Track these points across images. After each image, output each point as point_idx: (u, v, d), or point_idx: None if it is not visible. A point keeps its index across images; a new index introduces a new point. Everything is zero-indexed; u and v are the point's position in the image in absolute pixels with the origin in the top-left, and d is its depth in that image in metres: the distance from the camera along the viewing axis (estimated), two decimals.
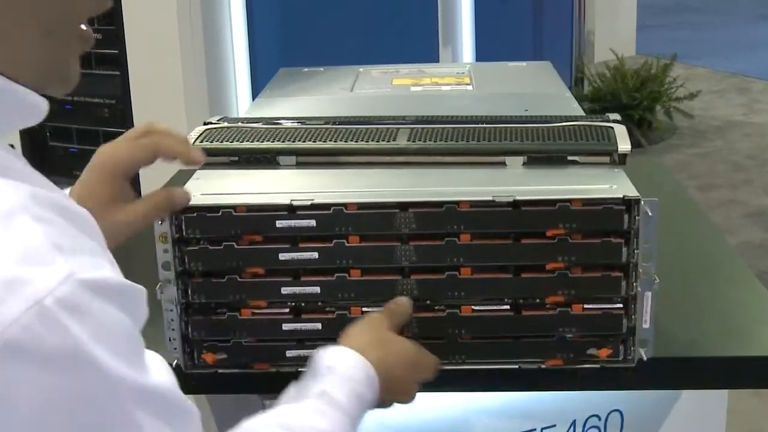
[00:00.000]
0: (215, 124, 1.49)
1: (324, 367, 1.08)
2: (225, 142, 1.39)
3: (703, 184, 5.12)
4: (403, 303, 1.24)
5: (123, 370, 0.71)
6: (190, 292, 1.27)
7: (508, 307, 1.27)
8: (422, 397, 1.20)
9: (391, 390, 1.14)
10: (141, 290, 0.77)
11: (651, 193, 1.22)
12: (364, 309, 1.26)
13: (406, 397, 1.18)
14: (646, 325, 1.25)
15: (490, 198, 1.22)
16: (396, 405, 1.18)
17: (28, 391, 0.67)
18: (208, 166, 1.32)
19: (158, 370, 0.76)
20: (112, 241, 0.88)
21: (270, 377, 1.27)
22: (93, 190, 1.12)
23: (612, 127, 1.41)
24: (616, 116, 1.49)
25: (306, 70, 2.10)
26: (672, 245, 1.57)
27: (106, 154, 1.17)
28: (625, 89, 5.82)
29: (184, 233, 1.25)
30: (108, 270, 0.73)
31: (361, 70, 2.04)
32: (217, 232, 1.24)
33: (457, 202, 1.23)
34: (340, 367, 1.08)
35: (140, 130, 1.19)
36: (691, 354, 1.33)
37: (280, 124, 1.49)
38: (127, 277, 0.76)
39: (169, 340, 1.26)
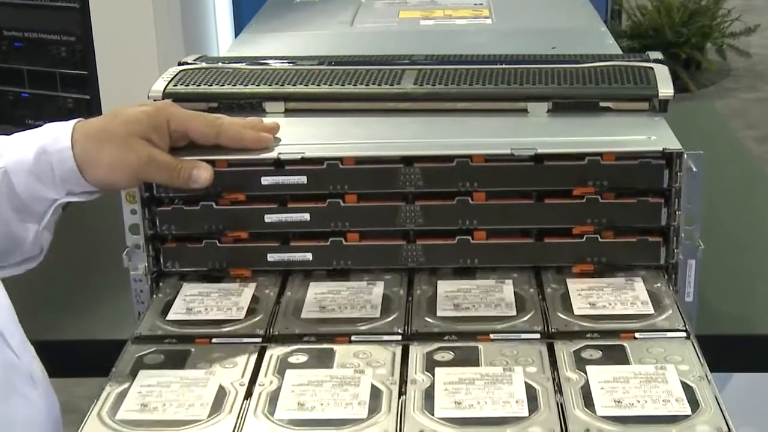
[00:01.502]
0: (192, 64, 1.50)
1: None
2: (203, 86, 1.39)
3: (762, 135, 5.12)
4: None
5: None
6: (162, 259, 1.29)
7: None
8: None
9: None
10: None
11: (697, 146, 1.22)
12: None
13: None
14: (689, 299, 1.26)
15: (509, 151, 1.22)
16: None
17: None
18: None
19: None
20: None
21: None
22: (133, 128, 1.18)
23: (652, 68, 1.41)
24: (658, 55, 1.49)
25: (298, 0, 2.10)
26: (720, 206, 1.58)
27: (166, 104, 1.25)
28: (670, 24, 5.80)
29: (154, 191, 1.26)
30: None
31: (363, 0, 2.04)
32: (194, 190, 1.24)
33: (470, 156, 1.24)
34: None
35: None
36: (741, 332, 1.35)
37: (266, 64, 1.49)
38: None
39: (138, 314, 1.27)
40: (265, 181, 1.25)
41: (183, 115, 1.22)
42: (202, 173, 1.20)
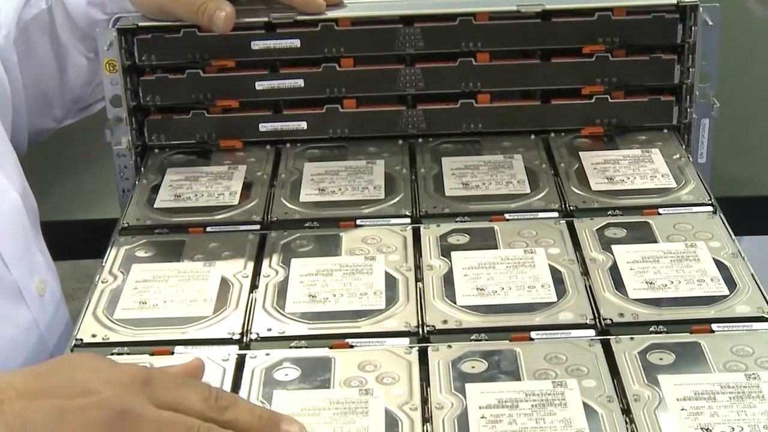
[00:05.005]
0: None
1: None
2: None
3: None
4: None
5: None
6: (146, 132, 1.18)
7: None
8: None
9: None
10: None
11: None
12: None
13: None
14: (702, 160, 1.19)
15: (514, 7, 1.15)
16: None
17: None
18: None
19: None
20: None
21: None
22: None
23: None
24: None
25: None
26: (735, 65, 1.49)
27: None
28: None
29: (137, 59, 1.15)
30: None
31: None
32: (179, 57, 1.15)
33: (474, 14, 1.15)
34: None
35: None
36: (753, 194, 1.27)
37: None
38: None
39: (123, 191, 1.17)
40: (256, 45, 1.15)
41: None
42: (221, 15, 1.09)
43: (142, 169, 1.16)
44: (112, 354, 0.86)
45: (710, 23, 1.14)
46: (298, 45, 1.15)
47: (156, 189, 1.12)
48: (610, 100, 1.18)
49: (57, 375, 0.70)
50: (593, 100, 1.18)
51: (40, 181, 1.15)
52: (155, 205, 1.09)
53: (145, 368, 0.73)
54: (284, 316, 0.90)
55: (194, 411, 0.69)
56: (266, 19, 1.13)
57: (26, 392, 0.68)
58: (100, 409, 0.67)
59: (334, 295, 0.92)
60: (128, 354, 0.86)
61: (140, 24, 1.13)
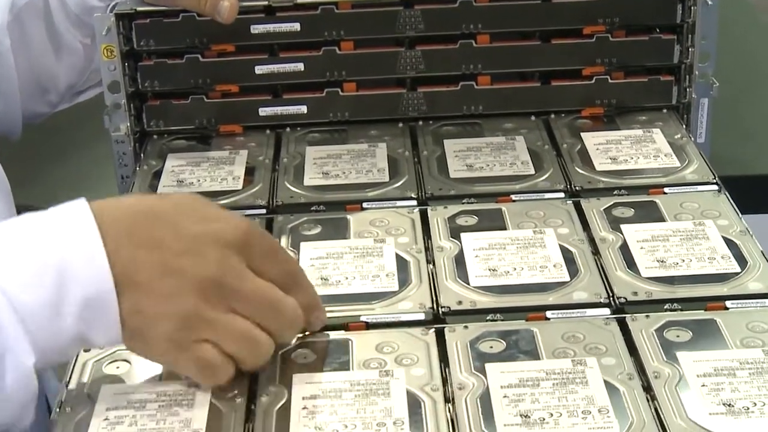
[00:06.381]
0: None
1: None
2: None
3: None
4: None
5: None
6: (145, 118, 1.17)
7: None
8: None
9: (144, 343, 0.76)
10: None
11: None
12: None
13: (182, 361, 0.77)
14: (701, 139, 1.19)
15: None
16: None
17: None
18: None
19: None
20: None
21: None
22: None
23: None
24: None
25: None
26: (733, 47, 1.49)
27: None
28: None
29: (135, 44, 1.13)
30: None
31: None
32: (178, 41, 1.14)
33: None
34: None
35: None
36: (751, 173, 1.28)
37: None
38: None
39: (122, 178, 1.15)
40: (255, 29, 1.14)
41: None
42: (225, 5, 1.08)
43: (142, 155, 1.15)
44: None
45: (709, 2, 1.14)
46: (298, 28, 1.14)
47: (158, 175, 1.11)
48: (610, 80, 1.18)
49: (167, 223, 0.74)
50: (593, 81, 1.18)
51: (28, 167, 1.14)
52: (158, 191, 1.08)
53: (247, 227, 0.76)
54: None
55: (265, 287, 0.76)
56: (266, 2, 1.12)
57: (138, 241, 0.73)
58: (200, 274, 0.73)
59: (347, 278, 0.91)
60: None
61: (138, 9, 1.11)
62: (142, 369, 0.81)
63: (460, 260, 0.93)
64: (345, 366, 0.81)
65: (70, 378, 0.80)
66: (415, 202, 1.04)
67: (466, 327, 0.84)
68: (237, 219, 0.78)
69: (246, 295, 0.75)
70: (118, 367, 0.82)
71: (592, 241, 0.95)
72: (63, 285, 0.71)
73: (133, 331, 0.74)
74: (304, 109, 1.17)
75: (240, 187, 1.08)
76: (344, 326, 0.85)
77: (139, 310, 0.73)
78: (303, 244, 0.96)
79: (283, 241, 0.97)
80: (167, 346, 0.74)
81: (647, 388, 0.77)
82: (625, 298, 0.87)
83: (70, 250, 0.72)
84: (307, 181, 1.08)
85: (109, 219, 0.73)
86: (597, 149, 1.11)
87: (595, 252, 0.94)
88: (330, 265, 0.93)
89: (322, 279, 0.91)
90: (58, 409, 0.77)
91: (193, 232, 0.74)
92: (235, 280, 0.74)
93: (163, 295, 0.73)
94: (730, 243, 0.94)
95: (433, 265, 0.93)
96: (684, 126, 1.17)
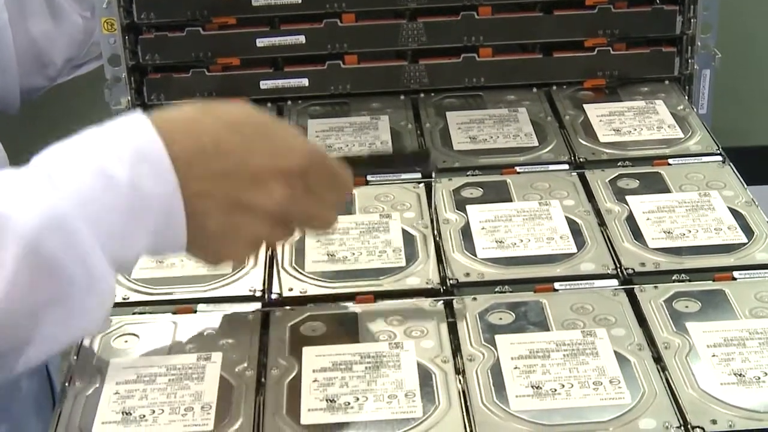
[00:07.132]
0: None
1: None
2: None
3: None
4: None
5: None
6: (146, 92, 1.16)
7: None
8: None
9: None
10: None
11: None
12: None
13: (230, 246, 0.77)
14: (702, 111, 1.19)
15: None
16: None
17: None
18: None
19: None
20: None
21: None
22: None
23: None
24: None
25: None
26: (735, 17, 1.48)
27: None
28: None
29: (135, 17, 1.13)
30: None
31: None
32: (178, 15, 1.13)
33: None
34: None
35: None
36: (752, 144, 1.27)
37: None
38: None
39: None
40: (256, 1, 1.13)
41: None
42: None
43: None
44: (133, 314, 0.85)
45: None
46: (299, 0, 1.13)
47: None
48: (612, 52, 1.17)
49: (233, 152, 0.72)
50: (595, 53, 1.17)
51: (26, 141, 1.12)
52: None
53: (309, 153, 0.75)
54: (305, 275, 0.88)
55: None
56: None
57: (204, 173, 0.71)
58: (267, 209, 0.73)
59: (353, 254, 0.91)
60: (150, 313, 0.85)
61: None
62: (150, 342, 0.81)
63: (466, 232, 0.93)
64: (354, 338, 0.80)
65: (79, 351, 0.80)
66: (419, 175, 1.03)
67: (474, 299, 0.84)
68: (300, 146, 0.76)
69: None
70: (126, 341, 0.81)
71: (597, 212, 0.95)
72: (137, 209, 0.69)
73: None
74: (305, 81, 1.17)
75: None
76: (352, 297, 0.85)
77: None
78: None
79: None
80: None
81: (658, 359, 0.77)
82: (633, 269, 0.87)
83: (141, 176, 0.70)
84: None
85: (177, 148, 0.71)
86: (600, 121, 1.11)
87: (602, 223, 0.94)
88: (336, 240, 0.92)
89: (328, 255, 0.91)
90: (67, 383, 0.77)
91: (262, 166, 0.73)
92: (296, 207, 0.75)
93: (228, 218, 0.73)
94: (736, 214, 0.94)
95: (440, 239, 0.92)
96: (686, 97, 1.16)
